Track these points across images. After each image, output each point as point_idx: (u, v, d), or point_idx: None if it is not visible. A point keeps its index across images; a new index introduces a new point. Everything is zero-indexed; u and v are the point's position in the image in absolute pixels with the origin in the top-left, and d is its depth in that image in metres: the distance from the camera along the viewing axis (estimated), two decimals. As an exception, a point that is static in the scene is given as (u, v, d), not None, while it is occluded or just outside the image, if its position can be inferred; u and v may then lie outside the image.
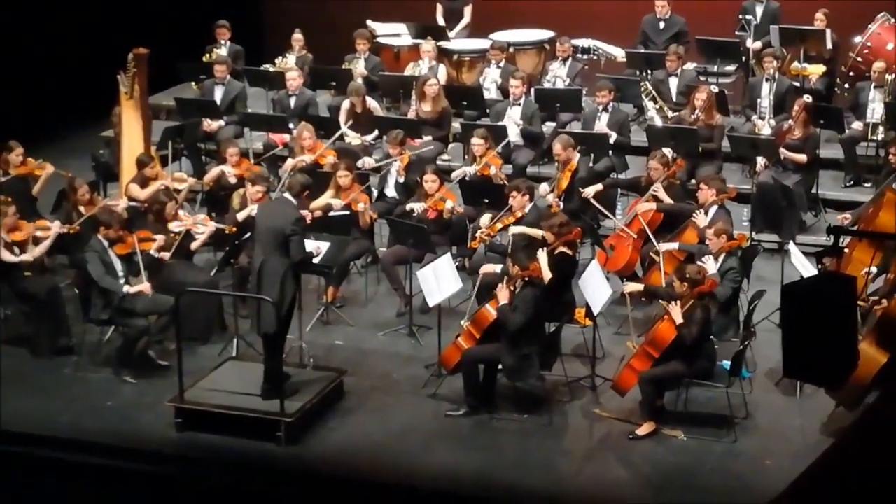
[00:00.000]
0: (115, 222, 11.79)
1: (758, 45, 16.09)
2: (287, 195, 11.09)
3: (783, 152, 13.90)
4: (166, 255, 12.18)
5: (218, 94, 15.93)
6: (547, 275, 11.23)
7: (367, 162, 14.25)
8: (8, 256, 12.03)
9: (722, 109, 14.85)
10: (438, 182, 13.04)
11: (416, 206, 12.99)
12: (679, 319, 10.50)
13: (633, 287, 11.28)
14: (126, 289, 11.57)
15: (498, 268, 11.34)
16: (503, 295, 10.89)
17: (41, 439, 10.48)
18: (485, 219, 12.73)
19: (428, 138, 14.96)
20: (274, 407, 10.65)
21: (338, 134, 14.77)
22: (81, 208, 12.82)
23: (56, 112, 16.36)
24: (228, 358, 11.68)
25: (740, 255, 11.75)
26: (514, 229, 12.05)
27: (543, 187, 13.56)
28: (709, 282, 10.85)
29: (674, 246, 12.24)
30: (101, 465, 10.11)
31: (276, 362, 10.79)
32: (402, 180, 13.75)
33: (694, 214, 12.34)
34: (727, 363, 10.75)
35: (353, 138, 15.01)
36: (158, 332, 11.80)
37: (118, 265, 11.64)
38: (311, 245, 11.29)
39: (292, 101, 15.60)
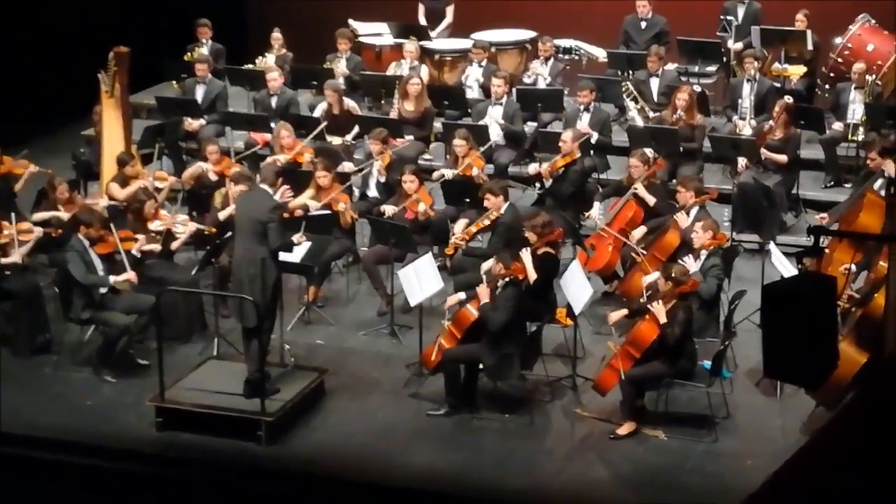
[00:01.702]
0: (96, 221, 11.76)
1: (739, 45, 16.14)
2: (264, 186, 11.07)
3: (764, 153, 13.94)
4: (156, 247, 12.17)
5: (199, 93, 15.91)
6: (532, 275, 11.24)
7: (346, 166, 14.23)
8: None
9: (703, 110, 14.89)
10: (417, 182, 13.03)
11: (388, 209, 12.99)
12: (663, 319, 10.51)
13: (617, 315, 11.18)
14: (112, 279, 11.53)
15: (463, 295, 11.29)
16: (484, 294, 10.89)
17: (21, 439, 10.46)
18: (460, 224, 12.73)
19: (409, 138, 14.95)
20: (255, 406, 10.64)
21: (316, 131, 14.74)
22: (60, 207, 12.79)
23: (37, 110, 16.31)
24: (209, 357, 11.66)
25: (721, 254, 11.77)
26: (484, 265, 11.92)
27: (533, 166, 13.74)
28: (691, 281, 10.86)
29: (642, 230, 12.45)
30: (81, 465, 10.08)
31: (258, 361, 10.77)
32: (383, 180, 13.74)
33: (677, 215, 12.36)
34: (708, 363, 10.76)
35: (334, 137, 14.99)
36: (139, 332, 11.76)
37: (98, 264, 11.61)
38: (295, 237, 11.33)
39: (273, 101, 15.58)
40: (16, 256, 12.06)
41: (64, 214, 12.67)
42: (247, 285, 10.69)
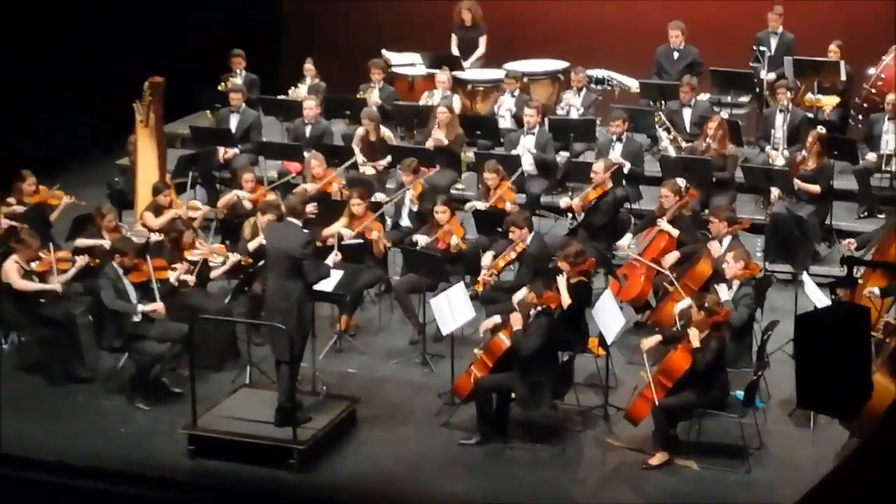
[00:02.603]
0: (131, 250, 11.83)
1: (772, 76, 16.11)
2: (292, 219, 11.11)
3: (797, 183, 13.91)
4: (191, 279, 12.23)
5: (233, 123, 15.99)
6: (566, 300, 11.23)
7: (378, 196, 14.27)
8: (29, 285, 12.05)
9: (735, 140, 14.87)
10: (449, 213, 13.05)
11: (421, 239, 13.02)
12: (696, 343, 10.49)
13: (651, 342, 11.16)
14: (140, 308, 11.59)
15: (497, 318, 11.30)
16: (516, 322, 10.90)
17: (55, 466, 10.54)
18: (486, 258, 12.72)
19: (438, 168, 15.00)
20: (287, 434, 10.66)
21: (349, 162, 14.81)
22: (105, 235, 12.85)
23: (72, 140, 16.43)
24: (242, 385, 11.69)
25: (754, 284, 11.74)
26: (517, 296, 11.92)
27: (564, 200, 13.88)
28: (723, 311, 10.84)
29: (675, 255, 12.50)
30: (114, 492, 10.15)
31: (290, 390, 10.79)
32: (415, 209, 13.76)
33: (709, 244, 12.34)
34: (741, 393, 10.73)
35: (366, 167, 15.04)
36: (172, 360, 11.79)
37: (132, 292, 11.67)
38: (329, 259, 11.39)
39: (307, 130, 15.65)
40: (56, 284, 12.13)
41: (107, 243, 12.72)
42: (280, 319, 10.70)
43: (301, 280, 10.76)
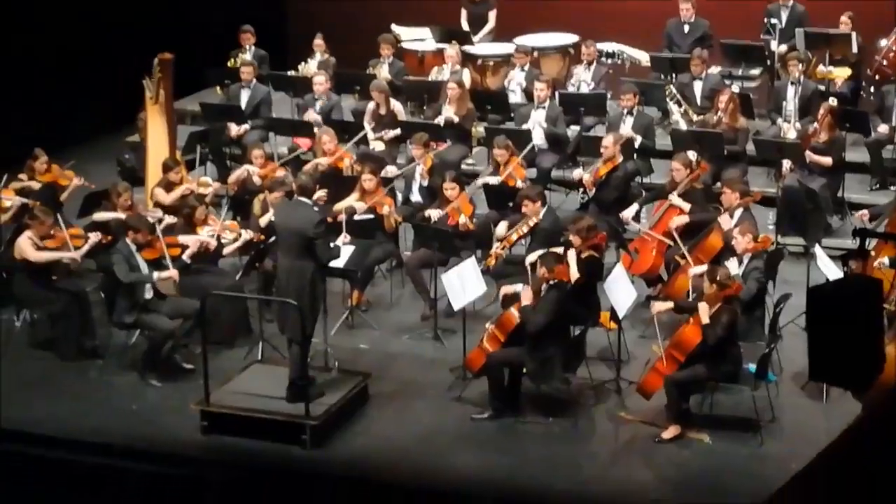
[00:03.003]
0: (144, 227, 11.84)
1: (783, 48, 16.05)
2: (303, 198, 11.09)
3: (808, 156, 13.86)
4: (213, 243, 12.27)
5: (244, 98, 15.96)
6: (575, 275, 11.22)
7: (389, 170, 14.25)
8: (46, 255, 12.02)
9: (746, 113, 14.81)
10: (458, 189, 13.04)
11: (434, 214, 13.00)
12: (706, 319, 10.48)
13: (662, 306, 11.17)
14: (156, 275, 11.61)
15: (519, 286, 11.27)
16: (526, 296, 10.89)
17: (67, 442, 10.58)
18: (500, 229, 12.70)
19: (449, 143, 14.97)
20: (299, 410, 10.68)
21: (360, 135, 14.79)
22: (121, 213, 12.86)
23: (82, 116, 16.42)
24: (253, 361, 11.70)
25: (766, 258, 11.71)
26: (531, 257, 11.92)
27: (577, 172, 13.74)
28: (735, 285, 10.82)
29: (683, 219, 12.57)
30: (127, 468, 10.18)
31: (302, 366, 10.80)
32: (426, 184, 13.73)
33: (720, 217, 12.31)
34: (753, 366, 10.72)
35: (376, 141, 15.01)
36: (184, 336, 11.80)
37: (144, 269, 11.67)
38: (339, 240, 11.37)
39: (317, 106, 15.62)
40: (73, 253, 12.13)
41: (122, 216, 12.75)
42: (293, 297, 10.69)
43: (313, 259, 10.76)
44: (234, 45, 17.19)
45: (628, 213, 13.15)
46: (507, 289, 11.40)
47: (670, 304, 11.13)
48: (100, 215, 12.91)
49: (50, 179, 13.74)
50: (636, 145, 14.39)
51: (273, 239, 11.90)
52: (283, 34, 19.49)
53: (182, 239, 12.32)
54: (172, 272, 11.70)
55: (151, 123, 14.67)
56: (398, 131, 15.12)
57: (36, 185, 13.62)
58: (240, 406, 10.87)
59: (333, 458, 10.58)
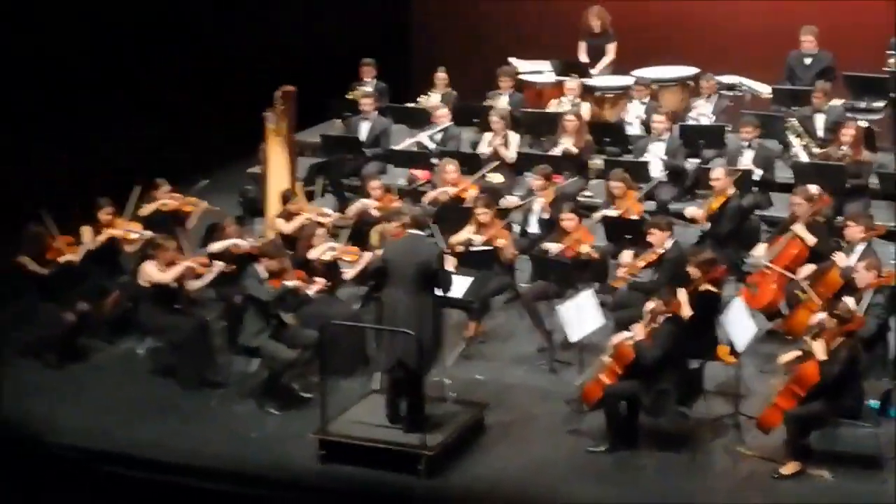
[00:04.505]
0: (282, 256, 11.98)
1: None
2: (416, 231, 11.14)
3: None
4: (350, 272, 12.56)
5: (364, 130, 16.12)
6: (687, 311, 11.13)
7: (510, 200, 14.28)
8: (173, 272, 12.23)
9: (870, 146, 14.62)
10: (576, 220, 13.02)
11: (552, 247, 12.98)
12: (822, 356, 10.34)
13: (789, 356, 10.98)
14: (292, 284, 11.81)
15: (634, 330, 11.17)
16: (639, 330, 10.85)
17: (187, 469, 10.74)
18: (626, 256, 12.67)
19: (567, 175, 14.97)
20: (415, 440, 10.71)
21: (488, 168, 14.82)
22: (237, 239, 13.05)
23: (205, 148, 16.68)
24: (371, 391, 11.75)
25: (888, 293, 11.52)
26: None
27: (690, 209, 13.67)
28: (857, 319, 10.66)
29: (811, 267, 12.28)
30: (245, 495, 10.31)
31: (418, 396, 10.84)
32: (546, 216, 13.71)
33: (834, 253, 12.14)
34: (875, 402, 10.55)
35: (493, 174, 15.04)
36: (303, 365, 11.90)
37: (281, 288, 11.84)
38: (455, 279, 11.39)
39: (438, 137, 15.73)
40: (195, 283, 12.34)
41: (243, 242, 12.93)
42: (413, 331, 10.68)
43: (432, 291, 10.80)
44: (355, 78, 17.37)
45: (757, 252, 12.97)
46: (617, 338, 11.25)
47: (798, 353, 10.90)
48: (214, 246, 13.08)
49: (174, 208, 13.97)
50: (756, 178, 14.25)
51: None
52: (405, 67, 19.65)
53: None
54: (320, 281, 11.95)
55: (272, 155, 14.86)
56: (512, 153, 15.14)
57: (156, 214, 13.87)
58: (357, 435, 10.92)
59: (449, 488, 10.58)
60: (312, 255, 12.69)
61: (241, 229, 13.46)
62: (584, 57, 17.61)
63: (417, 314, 10.77)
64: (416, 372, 10.83)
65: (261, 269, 11.86)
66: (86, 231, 13.36)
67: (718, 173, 13.51)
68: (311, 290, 12.27)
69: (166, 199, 14.02)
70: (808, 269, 12.46)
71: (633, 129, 16.04)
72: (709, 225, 13.49)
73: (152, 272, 12.20)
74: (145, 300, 12.35)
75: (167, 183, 14.13)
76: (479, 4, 19.75)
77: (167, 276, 12.21)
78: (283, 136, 14.85)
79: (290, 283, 11.84)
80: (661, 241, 12.40)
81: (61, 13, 15.62)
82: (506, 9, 19.40)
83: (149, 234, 13.29)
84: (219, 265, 12.58)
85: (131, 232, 13.45)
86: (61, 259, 12.87)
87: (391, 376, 11.06)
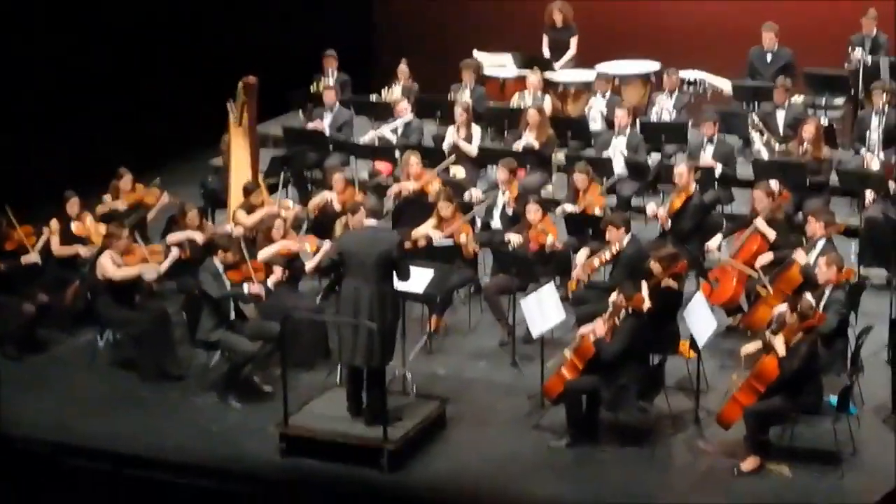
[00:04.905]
0: (235, 247, 11.95)
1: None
2: (372, 221, 11.13)
3: (892, 186, 13.73)
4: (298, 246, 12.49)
5: (326, 122, 16.10)
6: (647, 304, 11.16)
7: (474, 194, 14.28)
8: (126, 271, 12.17)
9: (830, 143, 14.71)
10: (541, 212, 13.04)
11: (514, 238, 13.00)
12: (782, 352, 10.40)
13: (751, 348, 11.06)
14: (246, 287, 11.75)
15: (594, 325, 11.18)
16: (600, 327, 10.89)
17: (147, 461, 10.70)
18: (581, 255, 12.69)
19: (529, 169, 14.99)
20: (377, 434, 10.71)
21: (447, 162, 14.82)
22: (193, 232, 13.04)
23: (166, 139, 16.63)
24: (333, 385, 11.74)
25: (848, 289, 11.59)
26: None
27: (650, 207, 13.67)
28: (817, 315, 10.72)
29: (768, 256, 12.46)
30: (206, 488, 10.28)
31: (380, 389, 10.84)
32: (510, 212, 13.71)
33: (795, 251, 12.22)
34: (834, 398, 10.62)
35: (456, 167, 15.05)
36: (264, 358, 11.88)
37: (229, 289, 11.79)
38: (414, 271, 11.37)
39: (399, 129, 15.72)
40: (152, 273, 12.29)
41: (198, 235, 12.93)
42: (377, 321, 10.68)
43: (392, 281, 10.81)
44: (317, 69, 17.33)
45: (713, 244, 13.06)
46: (584, 329, 11.30)
47: (759, 345, 10.96)
48: (173, 236, 13.05)
49: (135, 199, 13.91)
50: (716, 174, 14.32)
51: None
52: (366, 60, 19.62)
53: (264, 253, 12.41)
54: (259, 287, 11.81)
55: (235, 147, 14.84)
56: (474, 148, 15.17)
57: (121, 206, 13.80)
58: (318, 429, 10.92)
59: (411, 482, 10.59)
60: (261, 256, 12.56)
61: (201, 219, 13.42)
62: (546, 51, 17.63)
63: (379, 305, 10.75)
64: (378, 364, 10.82)
65: (217, 261, 11.82)
66: (53, 226, 13.22)
67: (681, 169, 13.55)
68: (270, 281, 12.25)
69: (131, 194, 13.95)
70: (767, 257, 12.52)
71: (596, 124, 16.08)
72: (668, 224, 13.49)
73: (107, 267, 12.14)
74: (104, 292, 12.28)
75: (129, 172, 14.03)
76: (442, -4, 19.77)
77: (121, 272, 12.15)
78: (245, 127, 14.82)
79: (244, 287, 11.77)
80: (617, 237, 12.44)
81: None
82: (469, 1, 19.39)
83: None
84: (174, 253, 12.56)
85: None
86: (25, 260, 12.75)
87: (351, 369, 11.05)
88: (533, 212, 12.99)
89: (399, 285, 10.99)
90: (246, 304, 11.85)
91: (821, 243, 12.20)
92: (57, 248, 13.07)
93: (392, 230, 11.07)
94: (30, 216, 13.18)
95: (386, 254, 10.78)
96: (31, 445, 10.68)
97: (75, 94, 16.11)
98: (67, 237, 13.16)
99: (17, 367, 12.44)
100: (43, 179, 14.49)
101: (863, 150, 14.96)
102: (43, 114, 15.77)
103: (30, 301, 12.54)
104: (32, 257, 12.79)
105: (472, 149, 15.30)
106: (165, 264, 12.52)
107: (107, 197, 13.97)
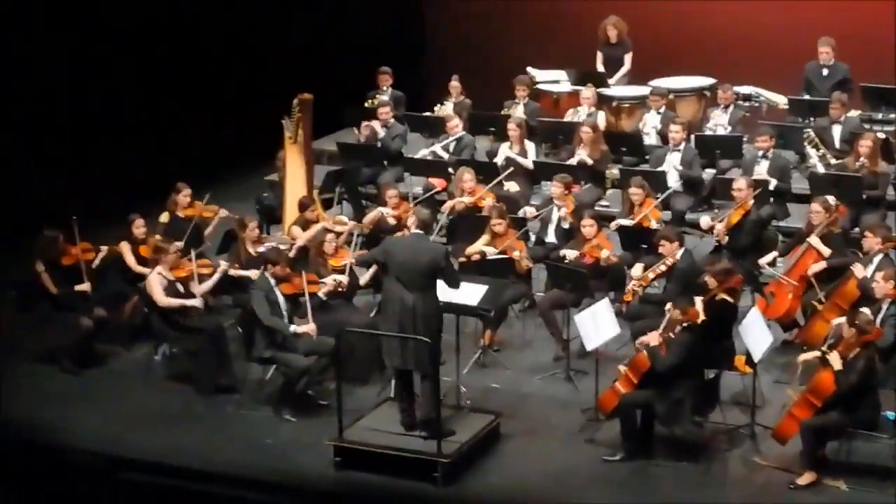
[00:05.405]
0: (283, 260, 12.01)
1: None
2: (419, 231, 11.15)
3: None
4: (343, 279, 12.46)
5: (380, 135, 16.18)
6: (701, 317, 11.11)
7: (527, 211, 14.29)
8: (171, 302, 12.25)
9: (887, 157, 14.61)
10: (596, 227, 13.03)
11: (569, 253, 12.99)
12: (838, 366, 10.33)
13: (808, 356, 11.03)
14: (293, 328, 11.76)
15: (650, 338, 11.17)
16: (653, 338, 10.86)
17: (202, 474, 10.76)
18: (636, 269, 12.66)
19: (584, 184, 14.99)
20: (431, 448, 10.71)
21: (502, 176, 14.83)
22: (249, 246, 13.10)
23: (223, 155, 16.74)
24: (387, 398, 11.76)
25: (905, 304, 11.51)
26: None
27: (705, 219, 13.63)
28: (875, 330, 10.65)
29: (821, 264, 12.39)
30: (261, 502, 10.33)
31: (434, 402, 10.84)
32: (566, 226, 13.70)
33: (853, 266, 12.14)
34: (891, 414, 10.54)
35: (510, 183, 15.06)
36: (319, 373, 11.92)
37: (283, 304, 11.83)
38: (465, 287, 11.38)
39: (452, 146, 15.75)
40: (198, 299, 12.35)
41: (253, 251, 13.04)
42: (423, 332, 10.72)
43: (435, 290, 10.85)
44: (372, 86, 17.41)
45: (765, 261, 12.98)
46: (641, 341, 11.27)
47: (817, 353, 10.90)
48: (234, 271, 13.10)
49: (192, 214, 13.99)
50: (771, 188, 14.25)
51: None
52: (420, 76, 19.69)
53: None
54: (310, 327, 11.81)
55: (290, 163, 14.92)
56: (529, 162, 15.23)
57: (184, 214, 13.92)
58: (373, 442, 10.93)
59: (464, 495, 10.59)
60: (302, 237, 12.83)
61: (260, 232, 13.51)
62: (600, 66, 17.63)
63: (424, 313, 10.78)
64: (429, 370, 10.83)
65: (268, 275, 11.88)
66: (125, 248, 13.28)
67: (741, 184, 13.48)
68: (322, 292, 12.30)
69: (188, 209, 14.01)
70: (819, 266, 12.44)
71: (650, 139, 16.05)
72: (725, 239, 13.41)
73: (155, 289, 12.17)
74: (154, 309, 12.35)
75: (187, 187, 14.08)
76: (496, 14, 19.79)
77: (167, 302, 12.20)
78: (300, 143, 14.90)
79: (292, 328, 11.79)
80: (671, 252, 12.41)
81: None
82: (523, 17, 19.43)
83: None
84: (223, 266, 12.66)
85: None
86: (78, 288, 12.76)
87: (404, 383, 11.07)
88: (588, 226, 12.99)
89: (452, 297, 11.01)
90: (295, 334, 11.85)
91: (878, 258, 12.12)
92: (136, 267, 13.14)
93: (434, 241, 11.06)
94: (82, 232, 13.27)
95: (433, 262, 10.80)
96: (87, 458, 10.77)
97: (136, 110, 16.29)
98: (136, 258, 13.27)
99: (75, 382, 12.55)
100: (96, 195, 14.60)
101: (920, 165, 14.86)
102: (107, 127, 15.92)
103: (87, 316, 12.64)
104: (85, 286, 12.80)
105: (528, 163, 15.31)
106: (213, 280, 12.59)
107: (165, 214, 14.02)
